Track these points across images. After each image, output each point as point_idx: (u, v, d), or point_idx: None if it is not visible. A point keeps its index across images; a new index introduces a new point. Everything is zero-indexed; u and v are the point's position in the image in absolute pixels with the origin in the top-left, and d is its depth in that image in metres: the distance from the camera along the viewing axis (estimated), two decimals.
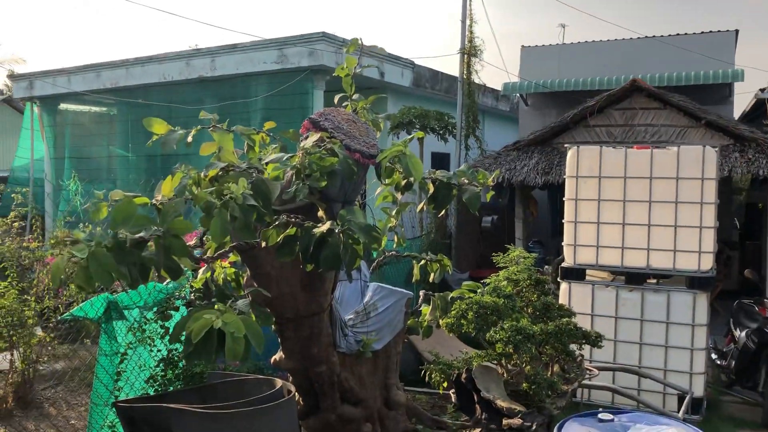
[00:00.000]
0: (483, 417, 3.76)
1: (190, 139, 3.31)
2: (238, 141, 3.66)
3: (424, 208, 3.93)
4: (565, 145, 7.43)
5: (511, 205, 11.65)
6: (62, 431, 6.89)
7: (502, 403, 3.58)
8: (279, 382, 3.94)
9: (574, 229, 7.14)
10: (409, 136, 3.63)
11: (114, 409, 4.11)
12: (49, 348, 7.87)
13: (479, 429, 3.91)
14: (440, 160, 14.21)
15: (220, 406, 3.67)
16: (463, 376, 3.94)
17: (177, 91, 13.68)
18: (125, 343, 5.42)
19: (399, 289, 4.91)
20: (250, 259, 3.51)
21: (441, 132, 11.70)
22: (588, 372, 6.49)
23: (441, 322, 4.38)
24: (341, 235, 2.89)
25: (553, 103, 14.12)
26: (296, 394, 4.55)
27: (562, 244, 7.28)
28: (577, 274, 7.10)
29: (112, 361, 5.38)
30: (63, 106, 16.19)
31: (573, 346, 4.92)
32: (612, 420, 3.54)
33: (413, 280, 5.53)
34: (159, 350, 5.66)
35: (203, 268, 4.59)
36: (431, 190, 3.70)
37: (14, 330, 7.58)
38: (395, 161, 3.42)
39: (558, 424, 3.44)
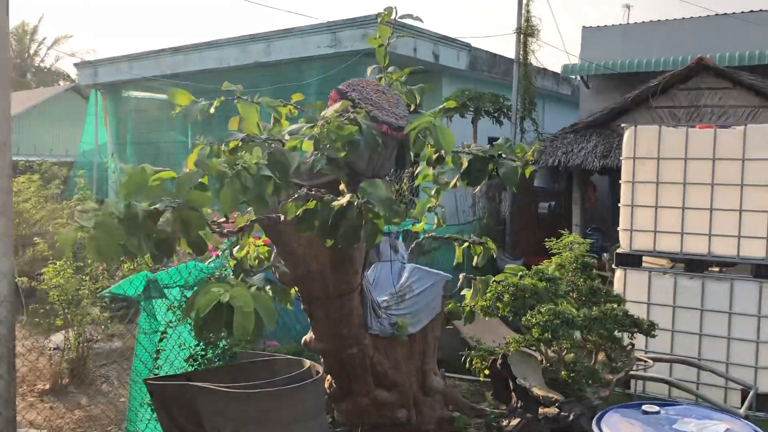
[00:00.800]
0: (519, 405, 3.55)
1: (212, 110, 3.21)
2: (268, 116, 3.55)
3: (458, 185, 3.73)
4: (622, 125, 7.06)
5: (569, 191, 11.25)
6: (111, 407, 7.01)
7: (538, 391, 3.37)
8: (307, 363, 3.83)
9: (630, 213, 6.78)
10: (440, 107, 3.43)
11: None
12: (103, 327, 8.03)
13: (516, 418, 3.71)
14: None
15: (244, 386, 3.59)
16: (499, 362, 3.74)
17: (233, 76, 13.73)
18: (165, 322, 5.43)
19: (436, 272, 4.73)
20: (276, 236, 3.40)
21: (495, 115, 11.39)
22: (642, 363, 6.16)
23: (470, 302, 4.18)
24: (360, 208, 2.73)
25: (615, 85, 13.55)
26: (327, 376, 4.45)
27: (618, 228, 6.93)
28: (633, 260, 6.74)
29: (151, 339, 5.39)
30: (125, 92, 16.57)
31: (624, 336, 4.65)
32: (657, 412, 3.28)
33: (455, 263, 5.35)
34: None
35: (237, 247, 4.54)
36: (464, 164, 3.49)
37: (69, 308, 7.76)
38: (426, 133, 3.23)
39: (597, 415, 3.21)
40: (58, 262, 7.91)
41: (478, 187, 3.61)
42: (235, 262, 4.58)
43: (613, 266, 6.99)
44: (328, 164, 3.26)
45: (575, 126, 10.94)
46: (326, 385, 4.47)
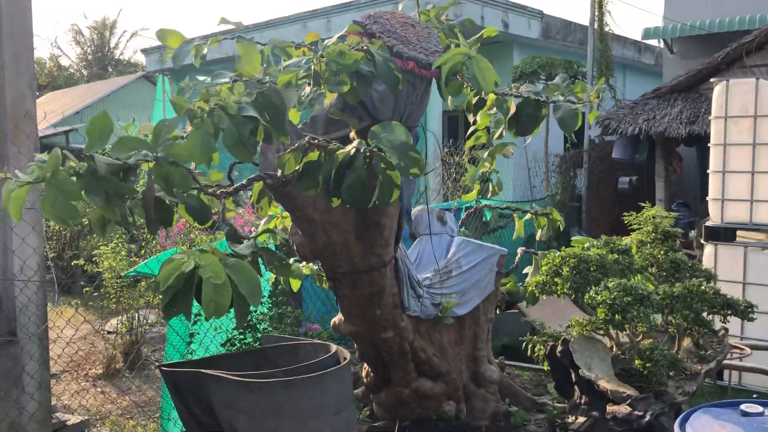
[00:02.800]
0: (582, 401, 2.93)
1: (205, 51, 2.71)
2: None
3: (503, 134, 3.11)
4: (712, 80, 6.18)
5: (651, 163, 10.29)
6: (161, 393, 6.76)
7: (606, 385, 2.74)
8: (333, 348, 3.32)
9: (721, 180, 5.93)
10: (476, 35, 2.82)
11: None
12: (157, 310, 7.85)
13: (579, 416, 3.08)
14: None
15: (257, 375, 3.11)
16: (559, 349, 3.11)
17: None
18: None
19: (490, 245, 4.12)
20: (286, 199, 2.88)
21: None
22: (738, 351, 5.35)
23: (531, 280, 3.55)
24: (370, 157, 2.17)
25: (702, 48, 12.33)
26: (362, 363, 3.93)
27: (707, 198, 6.09)
28: (725, 234, 5.90)
29: (183, 322, 5.03)
30: (189, 76, 16.51)
31: (715, 319, 3.91)
32: (761, 414, 2.59)
33: (514, 236, 4.72)
34: None
35: (264, 220, 4.07)
36: (512, 109, 2.87)
37: (123, 292, 7.60)
38: (461, 69, 2.63)
39: (681, 417, 2.55)
40: (110, 244, 7.76)
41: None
42: (263, 237, 4.13)
43: (702, 242, 6.16)
44: (342, 109, 2.72)
45: (658, 91, 9.95)
46: (363, 373, 3.96)
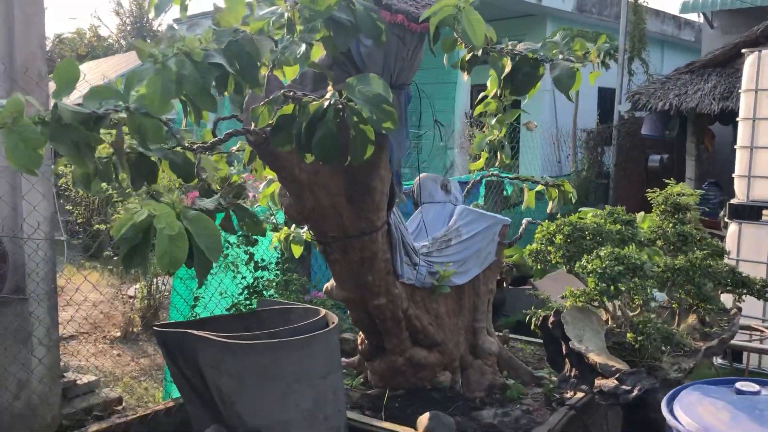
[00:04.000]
0: (572, 374, 2.82)
1: (188, 1, 2.63)
2: None
3: (498, 94, 2.97)
4: (743, 50, 5.91)
5: (682, 141, 9.96)
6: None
7: (595, 358, 2.62)
8: (322, 312, 3.26)
9: (749, 156, 5.69)
10: None
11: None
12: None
13: (571, 390, 2.98)
14: (609, 98, 12.61)
15: (241, 337, 3.07)
16: (550, 320, 2.99)
17: None
18: None
19: (492, 214, 4.00)
20: (270, 158, 2.81)
21: (601, 56, 10.20)
22: (758, 333, 5.16)
23: (525, 250, 3.43)
24: (342, 110, 2.08)
25: (745, 22, 11.81)
26: (346, 327, 3.87)
27: (733, 176, 5.85)
28: (750, 212, 5.67)
29: (188, 285, 5.03)
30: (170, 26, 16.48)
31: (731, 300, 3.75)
32: (757, 393, 2.45)
33: (523, 206, 4.59)
34: (244, 277, 5.25)
35: (264, 184, 4.01)
36: (507, 67, 2.74)
37: None
38: (453, 22, 2.49)
39: (670, 393, 2.43)
40: (131, 205, 7.82)
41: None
42: (264, 201, 4.08)
43: (726, 219, 5.94)
44: (331, 66, 2.62)
45: (691, 65, 9.59)
46: (358, 341, 3.90)
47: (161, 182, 6.18)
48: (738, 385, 2.48)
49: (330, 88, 2.51)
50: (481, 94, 3.85)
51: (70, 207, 10.90)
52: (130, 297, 8.45)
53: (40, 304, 4.63)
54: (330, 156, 2.13)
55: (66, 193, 10.49)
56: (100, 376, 5.83)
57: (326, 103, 2.13)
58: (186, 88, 2.01)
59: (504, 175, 4.61)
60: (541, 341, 4.47)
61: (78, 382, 5.30)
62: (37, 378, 4.59)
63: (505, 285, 4.74)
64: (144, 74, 2.23)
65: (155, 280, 7.94)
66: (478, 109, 3.98)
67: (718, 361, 5.61)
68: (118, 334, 7.81)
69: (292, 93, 2.27)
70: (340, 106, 2.10)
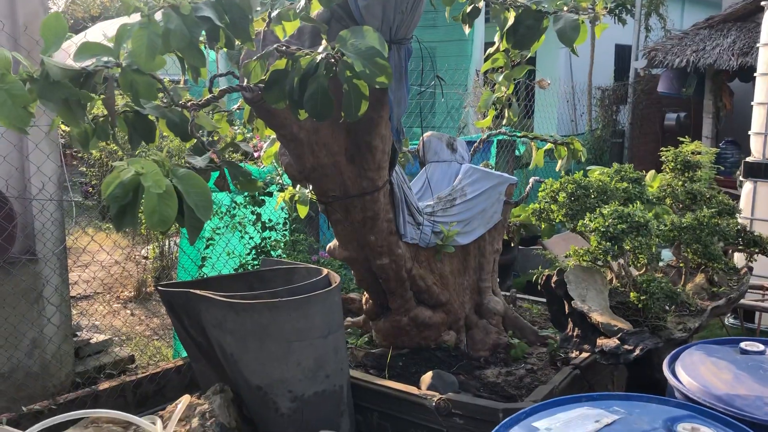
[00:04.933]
0: (574, 334, 2.79)
1: None
2: None
3: (500, 46, 2.89)
4: (762, 3, 5.71)
5: (700, 98, 9.74)
6: None
7: (598, 318, 2.59)
8: (324, 271, 3.25)
9: (766, 112, 5.54)
10: None
11: None
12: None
13: (574, 350, 2.96)
14: (626, 55, 12.32)
15: (243, 296, 3.07)
16: (553, 279, 2.95)
17: None
18: (210, 228, 5.05)
19: (498, 173, 3.94)
20: (268, 115, 2.75)
21: (617, 12, 9.94)
22: None
23: (528, 208, 3.37)
24: (334, 63, 2.02)
25: None
26: (353, 287, 3.87)
27: (749, 133, 5.71)
28: (766, 170, 5.55)
29: (195, 245, 5.04)
30: None
31: (741, 258, 3.68)
32: (762, 352, 2.41)
33: (531, 166, 4.52)
34: (251, 237, 5.24)
35: (267, 143, 3.97)
36: (510, 20, 2.65)
37: None
38: None
39: (672, 353, 2.39)
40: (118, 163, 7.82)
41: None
42: (268, 161, 4.04)
43: (741, 178, 5.82)
44: (328, 21, 2.55)
45: (710, 20, 9.31)
46: (363, 300, 3.90)
47: (172, 144, 6.14)
48: (743, 344, 2.44)
49: (324, 43, 2.45)
50: (489, 50, 3.75)
51: (84, 169, 10.94)
52: (144, 257, 8.51)
53: (49, 264, 4.66)
54: (322, 112, 2.08)
55: (80, 155, 10.52)
56: (112, 336, 5.90)
57: (318, 57, 2.07)
58: (173, 42, 1.95)
59: (512, 134, 4.52)
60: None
61: (91, 341, 5.37)
62: (49, 337, 4.65)
63: (513, 245, 4.68)
64: (133, 29, 2.17)
65: (167, 241, 7.98)
66: (486, 65, 3.89)
67: (729, 321, 5.56)
68: (132, 294, 7.89)
69: (284, 47, 2.21)
70: (333, 60, 2.04)
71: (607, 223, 2.58)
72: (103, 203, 9.87)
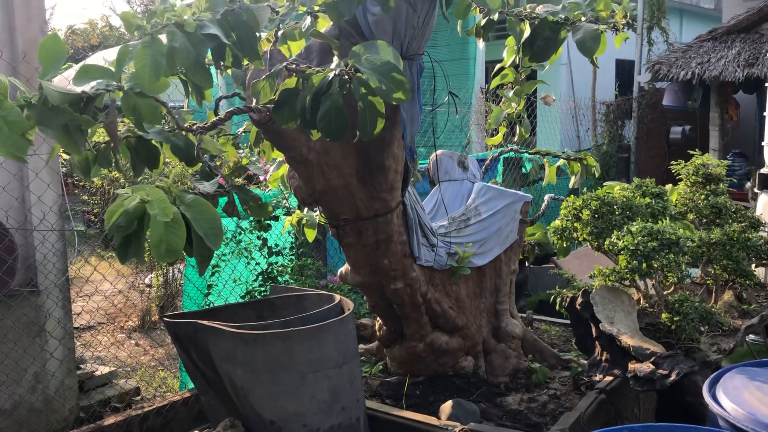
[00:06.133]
0: (603, 358, 2.65)
1: None
2: None
3: (518, 60, 2.79)
4: None
5: (705, 111, 9.65)
6: None
7: (628, 341, 2.45)
8: (337, 298, 3.12)
9: None
10: None
11: None
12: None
13: (601, 374, 2.81)
14: (627, 70, 12.27)
15: (252, 326, 2.94)
16: (578, 301, 2.82)
17: None
18: (216, 255, 4.92)
19: (513, 191, 3.82)
20: (275, 137, 2.65)
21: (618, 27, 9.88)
22: None
23: (549, 227, 3.25)
24: (349, 80, 1.91)
25: None
26: (364, 312, 3.73)
27: (763, 144, 5.61)
28: None
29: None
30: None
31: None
32: None
33: (544, 183, 4.41)
34: (258, 263, 5.12)
35: (273, 166, 3.86)
36: (526, 32, 2.55)
37: None
38: None
39: (711, 378, 2.26)
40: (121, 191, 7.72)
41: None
42: (274, 184, 3.93)
43: (756, 191, 5.70)
44: (338, 37, 2.45)
45: (714, 32, 9.26)
46: (376, 327, 3.76)
47: (176, 169, 6.03)
48: None
49: (335, 59, 2.34)
50: (498, 66, 3.66)
51: (86, 197, 10.85)
52: (147, 286, 8.38)
53: (51, 296, 4.54)
54: (336, 132, 1.97)
55: (81, 184, 10.43)
56: (117, 367, 5.76)
57: (331, 74, 1.97)
58: (178, 61, 1.85)
59: (523, 150, 4.42)
60: (566, 322, 4.31)
61: (95, 373, 5.23)
62: (52, 371, 4.51)
63: (527, 264, 4.56)
64: (135, 50, 2.07)
65: (171, 269, 7.86)
66: (495, 81, 3.80)
67: (750, 337, 5.41)
68: (136, 323, 7.74)
69: (294, 65, 2.10)
70: (347, 76, 1.93)
71: (636, 241, 2.46)
72: (106, 232, 9.78)
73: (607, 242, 2.70)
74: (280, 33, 2.56)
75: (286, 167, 3.60)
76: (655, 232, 2.47)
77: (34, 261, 4.53)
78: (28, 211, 4.43)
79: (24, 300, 4.38)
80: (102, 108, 2.19)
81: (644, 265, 2.46)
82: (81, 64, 2.11)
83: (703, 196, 3.34)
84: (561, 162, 4.38)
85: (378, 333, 3.70)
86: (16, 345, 4.22)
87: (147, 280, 8.50)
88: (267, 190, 5.10)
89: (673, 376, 2.29)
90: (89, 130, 2.23)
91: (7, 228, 4.15)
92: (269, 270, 5.06)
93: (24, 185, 4.41)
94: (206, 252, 1.88)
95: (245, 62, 2.10)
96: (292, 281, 5.14)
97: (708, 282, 3.11)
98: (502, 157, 7.65)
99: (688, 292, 2.95)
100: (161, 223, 1.72)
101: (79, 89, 2.06)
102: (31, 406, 4.40)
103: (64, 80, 2.20)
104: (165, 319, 3.32)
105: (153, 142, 2.53)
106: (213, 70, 2.21)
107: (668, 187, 4.03)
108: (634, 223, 2.58)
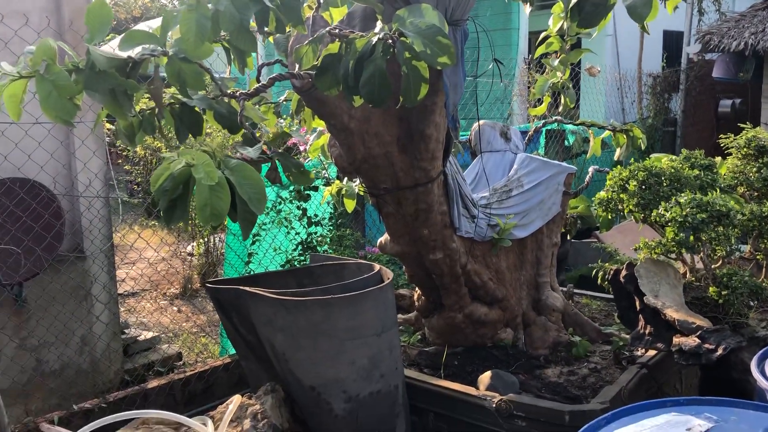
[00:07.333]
0: (647, 332, 2.61)
1: None
2: None
3: (565, 25, 2.71)
4: None
5: (758, 83, 9.31)
6: None
7: (673, 314, 2.40)
8: (377, 267, 3.12)
9: None
10: None
11: None
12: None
13: (644, 348, 2.77)
14: (675, 41, 11.88)
15: (293, 293, 2.96)
16: (622, 273, 2.77)
17: None
18: (258, 224, 4.96)
19: (557, 162, 3.76)
20: (317, 104, 2.64)
21: None
22: None
23: (594, 199, 3.19)
24: (392, 44, 1.88)
25: None
26: (402, 282, 3.73)
27: None
28: None
29: (242, 241, 4.97)
30: None
31: None
32: None
33: (588, 155, 4.32)
34: (297, 233, 5.15)
35: (314, 136, 3.86)
36: None
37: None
38: None
39: (761, 352, 2.20)
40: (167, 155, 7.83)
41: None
42: (314, 153, 3.93)
43: None
44: (381, 1, 2.41)
45: None
46: (415, 297, 3.76)
47: (218, 139, 6.08)
48: None
49: (379, 23, 2.31)
50: (543, 34, 3.58)
51: (129, 167, 11.03)
52: (189, 254, 8.52)
53: (97, 261, 4.65)
54: (379, 97, 1.95)
55: (124, 153, 10.63)
56: (160, 333, 5.89)
57: (375, 38, 1.94)
58: (222, 25, 1.84)
59: (567, 121, 4.33)
60: (607, 296, 4.25)
61: (139, 338, 5.36)
62: (98, 334, 4.64)
63: (568, 238, 4.50)
64: (180, 15, 2.07)
65: (212, 237, 7.97)
66: (540, 50, 3.72)
67: None
68: (178, 290, 7.90)
69: (338, 30, 2.08)
70: (390, 40, 1.90)
71: (685, 213, 2.40)
72: (149, 201, 9.96)
73: (654, 213, 2.64)
74: None
75: (326, 137, 3.60)
76: (705, 204, 2.40)
77: (80, 227, 4.63)
78: (75, 177, 4.52)
79: (71, 264, 4.49)
80: (145, 77, 2.21)
81: (692, 237, 2.39)
82: (124, 34, 2.12)
83: (755, 169, 3.23)
84: (606, 134, 4.29)
85: (416, 303, 3.70)
86: (64, 308, 4.34)
87: (189, 249, 8.64)
88: (307, 161, 5.11)
89: (719, 351, 2.24)
90: (134, 96, 2.25)
91: (54, 194, 4.24)
92: (308, 240, 5.09)
93: (70, 152, 4.49)
94: (250, 216, 1.89)
95: (288, 27, 2.08)
96: (330, 251, 5.17)
97: (758, 257, 3.02)
98: (544, 130, 7.53)
99: (736, 267, 2.88)
100: (206, 186, 1.74)
101: (125, 54, 2.07)
102: (78, 367, 4.53)
103: (110, 49, 2.22)
104: (208, 285, 3.38)
105: (196, 108, 2.55)
106: (260, 34, 2.20)
107: (717, 159, 3.92)
108: (682, 195, 2.51)
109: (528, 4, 2.72)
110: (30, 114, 2.78)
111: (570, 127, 6.82)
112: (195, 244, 8.08)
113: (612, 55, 11.19)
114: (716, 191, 2.61)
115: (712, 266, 2.67)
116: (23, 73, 1.89)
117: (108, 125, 6.19)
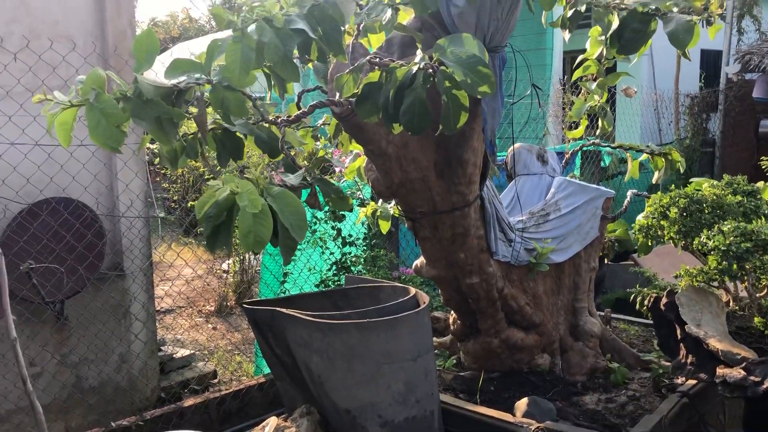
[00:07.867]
0: (688, 361, 2.56)
1: None
2: None
3: (603, 53, 2.70)
4: None
5: None
6: None
7: (716, 344, 2.36)
8: (412, 291, 3.12)
9: None
10: None
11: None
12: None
13: (686, 378, 2.72)
14: (713, 61, 11.72)
15: (329, 316, 2.98)
16: (663, 301, 2.73)
17: None
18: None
19: (595, 186, 3.72)
20: (356, 130, 2.66)
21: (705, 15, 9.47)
22: None
23: (634, 225, 3.15)
24: (432, 74, 1.90)
25: None
26: (437, 305, 3.72)
27: None
28: None
29: (277, 261, 5.01)
30: None
31: None
32: None
33: (626, 177, 4.28)
34: (332, 253, 5.18)
35: (350, 158, 3.90)
36: (614, 23, 2.47)
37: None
38: None
39: None
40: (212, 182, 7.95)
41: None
42: (350, 176, 3.96)
43: None
44: (420, 29, 2.44)
45: None
46: (450, 321, 3.75)
47: (253, 159, 6.19)
48: None
49: (419, 52, 2.33)
50: (580, 57, 3.57)
51: (166, 185, 11.21)
52: (224, 272, 8.61)
53: (136, 280, 4.73)
54: (419, 125, 1.96)
55: (162, 171, 10.83)
56: (195, 350, 5.95)
57: (415, 68, 1.96)
58: (267, 56, 1.88)
59: (606, 144, 4.30)
60: (645, 321, 4.18)
61: (175, 355, 5.42)
62: (136, 352, 4.70)
63: (606, 261, 4.44)
64: (224, 44, 2.12)
65: (247, 255, 8.04)
66: (577, 73, 3.71)
67: None
68: (213, 308, 7.98)
69: (378, 59, 2.11)
70: (431, 70, 1.92)
71: (728, 241, 2.36)
72: (188, 220, 10.11)
73: (696, 242, 2.60)
74: (362, 26, 2.57)
75: (362, 159, 3.63)
76: (749, 233, 2.36)
77: (121, 246, 4.72)
78: (117, 198, 4.61)
79: (111, 283, 4.58)
80: (187, 101, 2.26)
81: (735, 266, 2.35)
82: (166, 60, 2.18)
83: None
84: (644, 156, 4.25)
85: (452, 327, 3.68)
86: (104, 326, 4.42)
87: (224, 266, 8.73)
88: (342, 182, 5.15)
89: (766, 384, 2.18)
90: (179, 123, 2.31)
91: (97, 214, 4.34)
92: (343, 260, 5.12)
93: (113, 173, 4.59)
94: (291, 243, 1.92)
95: (330, 56, 2.12)
96: (364, 272, 5.19)
97: None
98: (579, 151, 7.47)
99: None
100: (250, 214, 1.77)
101: (170, 83, 2.12)
102: (117, 384, 4.60)
103: (151, 72, 2.28)
104: (244, 305, 3.41)
105: (238, 133, 2.60)
106: (302, 63, 2.24)
107: (760, 184, 3.84)
108: (725, 223, 2.47)
109: (567, 31, 2.73)
110: (75, 137, 2.86)
111: (606, 149, 6.77)
112: (231, 261, 8.16)
113: (648, 75, 11.09)
114: (761, 219, 2.56)
115: (758, 295, 2.61)
116: (74, 102, 1.95)
117: (151, 146, 6.33)
